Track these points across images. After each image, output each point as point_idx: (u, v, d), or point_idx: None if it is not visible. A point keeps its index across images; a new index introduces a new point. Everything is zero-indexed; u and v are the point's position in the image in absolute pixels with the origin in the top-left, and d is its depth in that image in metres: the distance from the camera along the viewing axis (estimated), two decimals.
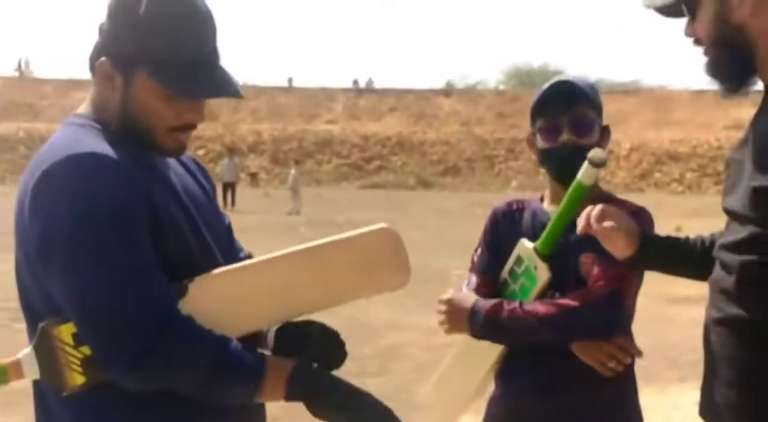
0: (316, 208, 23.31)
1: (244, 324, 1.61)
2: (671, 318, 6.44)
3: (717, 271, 1.74)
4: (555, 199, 2.19)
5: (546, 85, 2.15)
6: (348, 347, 6.65)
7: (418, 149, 45.64)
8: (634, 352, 2.10)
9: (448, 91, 51.52)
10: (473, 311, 2.11)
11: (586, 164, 1.99)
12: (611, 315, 2.05)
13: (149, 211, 1.52)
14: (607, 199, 2.16)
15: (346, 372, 6.46)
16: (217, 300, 1.57)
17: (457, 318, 2.14)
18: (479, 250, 2.33)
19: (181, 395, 1.53)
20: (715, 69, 1.75)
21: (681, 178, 40.96)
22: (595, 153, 1.98)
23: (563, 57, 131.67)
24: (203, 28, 1.56)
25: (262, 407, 1.75)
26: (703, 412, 1.78)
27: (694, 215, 15.90)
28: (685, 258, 1.95)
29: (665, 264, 1.97)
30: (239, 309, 1.60)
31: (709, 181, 39.86)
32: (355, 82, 50.13)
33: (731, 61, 1.72)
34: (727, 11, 1.67)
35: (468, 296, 2.16)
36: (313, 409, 1.56)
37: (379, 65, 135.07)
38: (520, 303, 2.08)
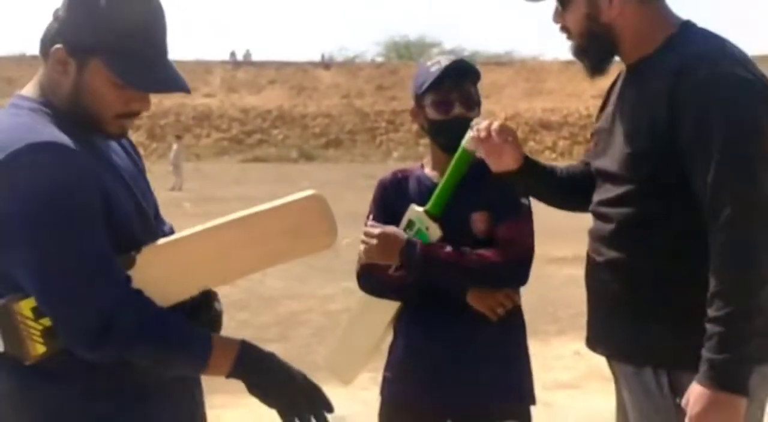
0: (198, 184, 23.06)
1: (187, 289, 1.75)
2: (549, 276, 6.86)
3: (596, 223, 2.06)
4: (437, 166, 2.44)
5: (438, 64, 2.37)
6: (247, 316, 6.92)
7: (299, 122, 45.47)
8: (516, 300, 2.37)
9: (327, 64, 51.48)
10: (409, 244, 2.30)
11: (469, 132, 2.22)
12: (526, 271, 2.35)
13: (102, 197, 1.64)
14: (480, 160, 2.38)
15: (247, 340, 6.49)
16: (163, 269, 1.71)
17: (389, 249, 2.30)
18: (370, 217, 2.52)
19: (128, 376, 1.67)
20: (582, 54, 2.06)
21: (554, 145, 42.30)
22: (476, 120, 2.25)
23: (439, 29, 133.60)
24: (157, 25, 1.67)
25: (200, 386, 1.93)
26: (589, 343, 2.11)
27: None
28: (549, 184, 2.24)
29: (535, 185, 2.24)
30: (183, 276, 1.74)
31: (580, 149, 41.27)
32: (233, 54, 49.38)
33: (597, 50, 2.03)
34: (596, 11, 1.97)
35: (398, 231, 2.34)
36: (250, 388, 1.70)
37: (256, 37, 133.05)
38: (453, 249, 2.30)
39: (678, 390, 1.84)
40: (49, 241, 1.58)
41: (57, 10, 1.67)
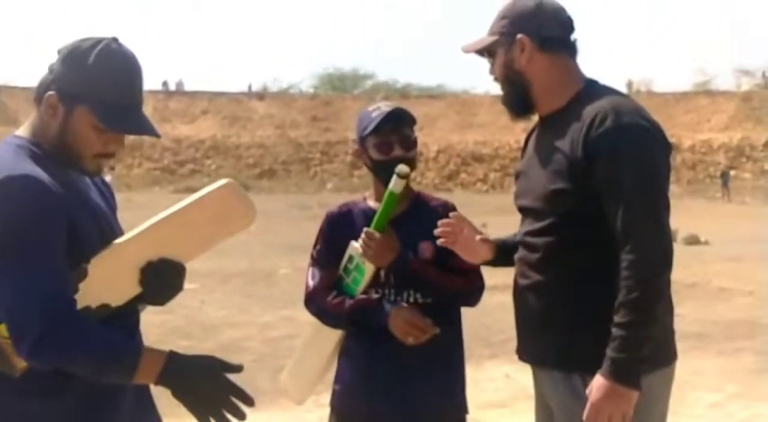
0: (130, 214, 22.41)
1: (133, 285, 1.96)
2: (482, 302, 7.14)
3: (522, 251, 2.37)
4: (379, 199, 2.69)
5: (379, 110, 2.66)
6: (190, 343, 7.11)
7: (233, 152, 45.43)
8: (435, 330, 2.54)
9: (261, 95, 51.63)
10: (401, 255, 2.54)
11: (394, 177, 2.56)
12: (481, 295, 2.67)
13: (68, 222, 1.87)
14: (416, 196, 2.73)
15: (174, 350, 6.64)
16: (109, 272, 1.93)
17: (385, 254, 2.53)
18: (318, 248, 2.75)
19: (85, 384, 1.87)
20: (506, 101, 2.41)
21: (485, 178, 43.11)
22: (400, 168, 2.55)
23: (372, 61, 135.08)
24: (135, 80, 1.94)
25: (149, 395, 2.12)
26: (519, 354, 2.42)
27: (498, 212, 17.13)
28: (511, 253, 2.54)
29: (503, 263, 2.54)
30: (128, 275, 1.95)
31: (511, 181, 42.01)
32: (165, 83, 49.18)
33: (515, 96, 2.37)
34: (511, 60, 2.32)
35: (396, 241, 2.57)
36: (174, 394, 1.84)
37: (189, 67, 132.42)
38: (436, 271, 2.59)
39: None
40: (10, 261, 1.81)
41: (52, 64, 1.96)
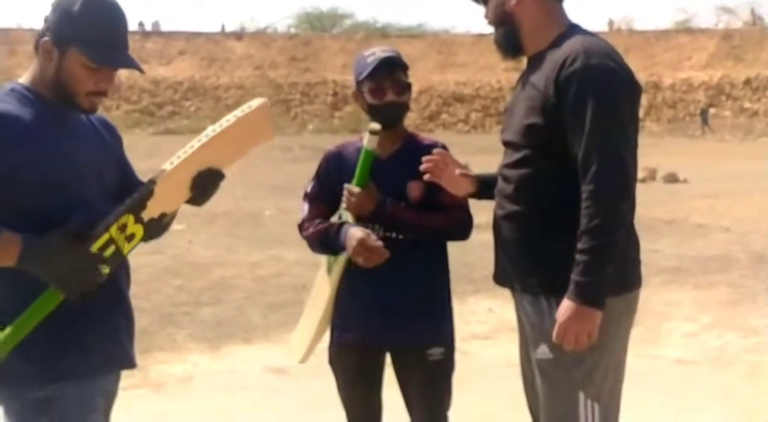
0: None
1: (185, 194, 2.21)
2: (465, 241, 7.32)
3: (500, 183, 2.52)
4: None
5: (374, 56, 2.77)
6: (181, 282, 7.31)
7: (211, 94, 45.06)
8: (386, 255, 2.64)
9: (239, 35, 51.04)
10: (381, 202, 2.69)
11: (367, 134, 2.71)
12: (470, 228, 2.80)
13: (10, 153, 2.04)
14: (409, 136, 2.86)
15: (182, 303, 7.16)
16: (170, 188, 2.16)
17: (366, 204, 2.69)
18: (312, 184, 2.91)
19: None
20: (498, 42, 2.55)
21: (467, 118, 43.07)
22: (372, 126, 2.71)
23: (350, 1, 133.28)
24: (119, 22, 2.16)
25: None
26: (495, 278, 2.59)
27: (479, 152, 17.21)
28: (493, 187, 2.68)
29: (486, 195, 2.68)
30: (183, 187, 2.18)
31: (492, 121, 42.11)
32: (141, 24, 48.34)
33: (506, 37, 2.51)
34: (503, 2, 2.47)
35: (375, 190, 2.72)
36: (41, 276, 2.00)
37: (165, 6, 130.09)
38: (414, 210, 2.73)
39: None
40: None
41: (46, 16, 2.17)
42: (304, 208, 2.88)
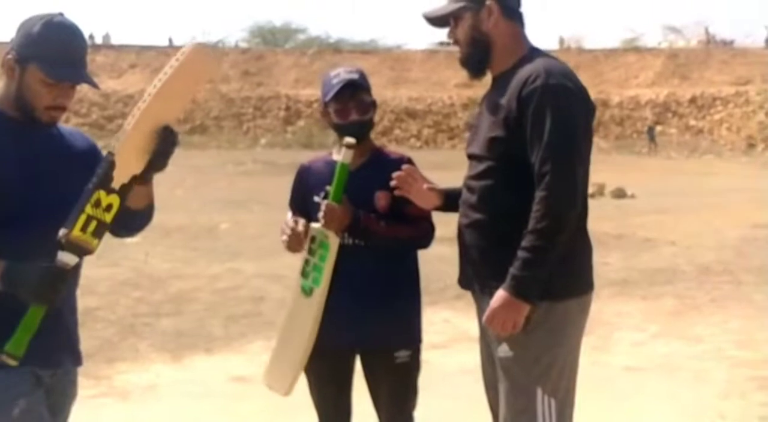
0: None
1: (148, 152, 2.24)
2: (422, 254, 7.48)
3: (465, 194, 2.69)
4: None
5: (338, 77, 2.94)
6: (140, 294, 7.40)
7: None
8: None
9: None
10: (355, 217, 2.82)
11: (343, 149, 2.86)
12: (432, 238, 2.97)
13: None
14: (376, 150, 3.04)
15: (143, 315, 7.24)
16: (130, 152, 2.20)
17: (341, 220, 2.80)
18: (290, 196, 3.09)
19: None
20: (467, 61, 2.71)
21: (419, 134, 43.22)
22: (347, 140, 2.85)
23: (304, 16, 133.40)
24: (76, 43, 2.30)
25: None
26: (460, 283, 2.75)
27: (432, 167, 17.39)
28: (457, 200, 2.84)
29: (451, 208, 2.84)
30: (142, 147, 2.21)
31: (444, 137, 42.51)
32: (91, 37, 47.90)
33: (477, 57, 2.68)
34: (479, 23, 2.63)
35: (349, 207, 2.84)
36: (18, 294, 2.15)
37: (116, 20, 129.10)
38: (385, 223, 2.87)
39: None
40: None
41: (12, 38, 2.33)
42: (289, 215, 3.03)
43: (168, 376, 5.26)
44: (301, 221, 2.88)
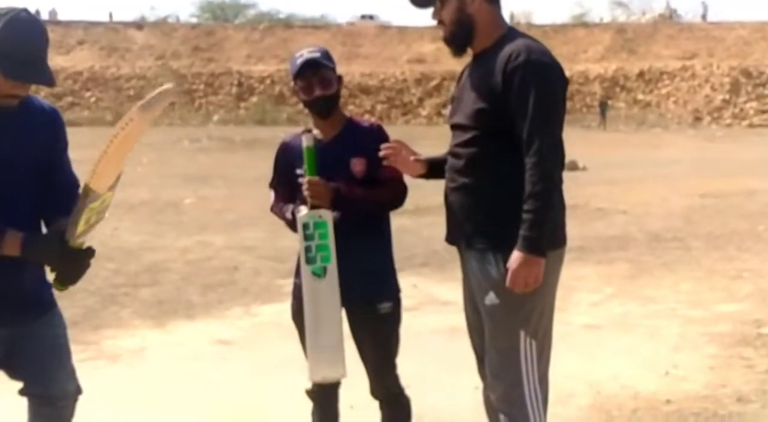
0: None
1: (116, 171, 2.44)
2: (406, 227, 7.75)
3: (451, 160, 2.97)
4: (318, 126, 3.21)
5: (302, 57, 3.14)
6: (115, 266, 7.65)
7: (112, 84, 44.15)
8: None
9: (139, 24, 50.15)
10: (336, 189, 3.04)
11: (303, 135, 3.02)
12: (404, 199, 3.20)
13: None
14: (348, 120, 3.25)
15: (121, 285, 7.45)
16: (107, 173, 2.40)
17: (324, 194, 3.01)
18: (273, 174, 3.31)
19: None
20: (452, 40, 2.96)
21: (372, 109, 43.28)
22: (307, 136, 3.01)
23: None
24: (36, 41, 2.46)
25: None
26: (447, 239, 3.04)
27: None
28: (439, 168, 3.12)
29: (434, 175, 3.13)
30: (115, 166, 2.40)
31: (398, 112, 42.66)
32: (37, 12, 47.05)
33: (462, 36, 2.94)
34: (464, 5, 2.88)
35: (325, 183, 3.04)
36: (45, 264, 2.50)
37: None
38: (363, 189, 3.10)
39: (506, 265, 2.77)
40: None
41: None
42: (270, 196, 3.28)
43: (154, 340, 5.47)
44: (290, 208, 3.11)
